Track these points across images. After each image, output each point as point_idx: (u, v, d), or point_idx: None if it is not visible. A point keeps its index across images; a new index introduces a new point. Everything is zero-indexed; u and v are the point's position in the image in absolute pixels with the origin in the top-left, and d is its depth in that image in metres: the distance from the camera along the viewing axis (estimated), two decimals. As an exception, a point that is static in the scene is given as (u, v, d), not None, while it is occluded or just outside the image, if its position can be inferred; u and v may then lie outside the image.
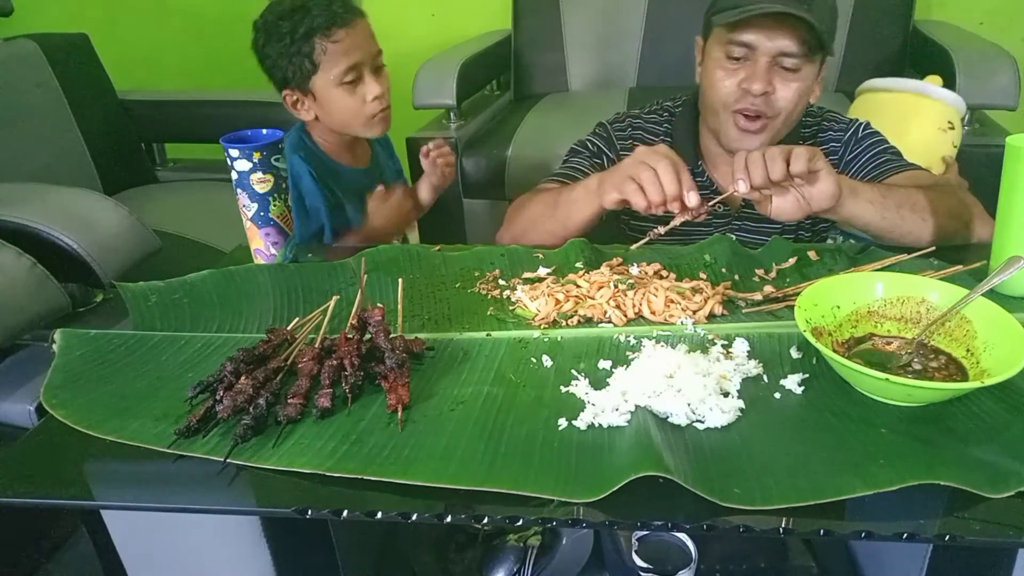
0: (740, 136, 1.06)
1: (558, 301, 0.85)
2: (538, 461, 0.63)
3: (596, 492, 0.58)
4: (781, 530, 0.57)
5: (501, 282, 0.93)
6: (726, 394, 0.70)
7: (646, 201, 0.90)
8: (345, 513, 0.59)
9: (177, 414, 0.70)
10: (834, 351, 0.71)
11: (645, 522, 0.61)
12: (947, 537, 0.56)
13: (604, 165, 1.17)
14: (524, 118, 2.21)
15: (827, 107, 1.21)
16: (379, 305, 0.81)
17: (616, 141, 1.19)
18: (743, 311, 0.85)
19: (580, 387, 0.71)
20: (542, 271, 0.94)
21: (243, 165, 0.93)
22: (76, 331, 0.84)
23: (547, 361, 0.77)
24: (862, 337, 0.78)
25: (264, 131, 0.98)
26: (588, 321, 0.84)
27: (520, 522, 0.58)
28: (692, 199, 0.89)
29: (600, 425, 0.66)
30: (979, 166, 1.68)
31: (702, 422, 0.66)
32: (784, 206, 0.91)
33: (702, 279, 0.89)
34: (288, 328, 0.81)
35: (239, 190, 0.96)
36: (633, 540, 0.94)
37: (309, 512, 0.60)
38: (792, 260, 0.95)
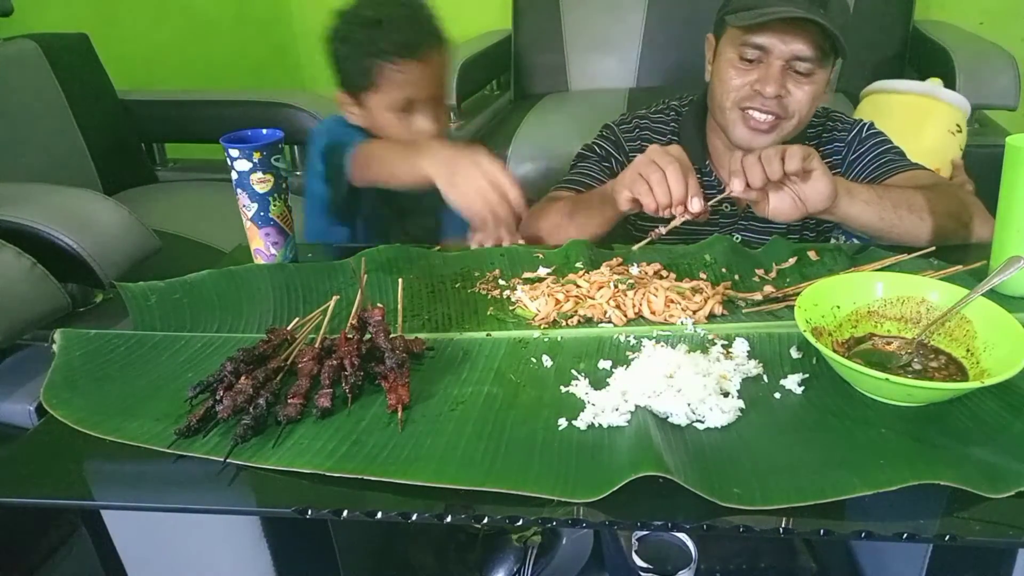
0: (750, 135, 1.06)
1: (558, 301, 0.85)
2: (538, 461, 0.63)
3: (596, 492, 0.58)
4: (781, 530, 0.57)
5: (501, 282, 0.93)
6: (726, 394, 0.70)
7: (655, 202, 0.91)
8: (345, 513, 0.59)
9: (177, 414, 0.70)
10: (834, 351, 0.71)
11: (645, 522, 0.61)
12: (947, 537, 0.56)
13: (613, 168, 1.17)
14: (524, 118, 2.22)
15: (829, 107, 1.21)
16: (379, 305, 0.81)
17: (625, 143, 1.19)
18: (743, 311, 0.85)
19: (580, 387, 0.71)
20: (542, 271, 0.94)
21: (243, 165, 0.93)
22: (76, 331, 0.84)
23: (547, 361, 0.77)
24: (862, 337, 0.78)
25: (264, 131, 0.98)
26: (588, 321, 0.84)
27: (520, 522, 0.58)
28: (695, 205, 0.89)
29: (600, 425, 0.66)
30: (979, 166, 1.68)
31: (702, 422, 0.66)
32: (781, 207, 0.92)
33: (702, 279, 0.90)
34: (288, 328, 0.81)
35: (239, 190, 0.96)
36: (633, 540, 0.94)
37: (309, 512, 0.60)
38: (792, 260, 0.95)
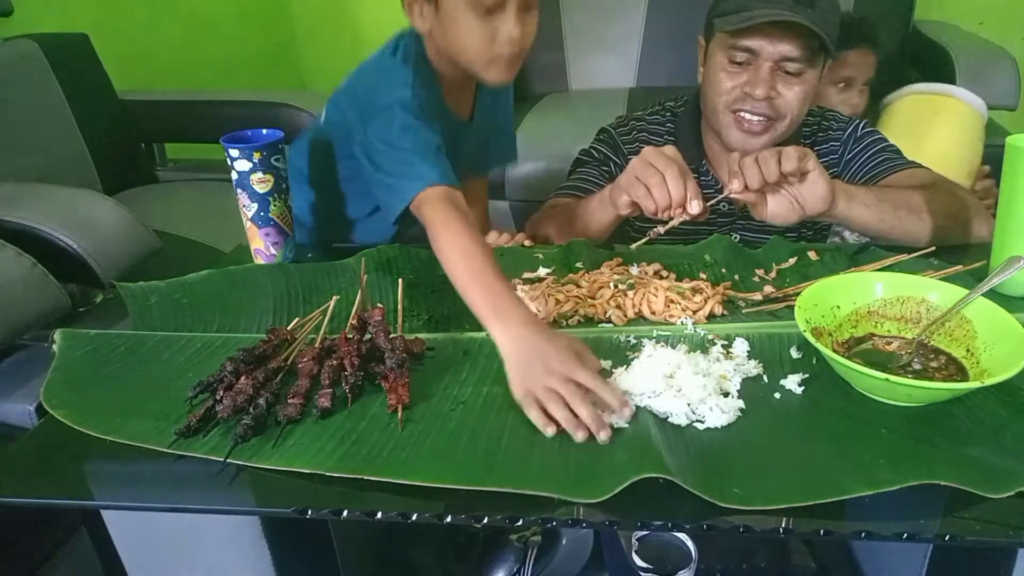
0: (743, 138, 1.06)
1: (558, 301, 0.85)
2: (538, 461, 0.63)
3: (597, 493, 0.58)
4: (781, 530, 0.57)
5: (501, 282, 0.92)
6: (726, 394, 0.70)
7: (654, 205, 0.90)
8: (345, 513, 0.59)
9: (177, 414, 0.70)
10: (834, 351, 0.71)
11: (645, 522, 0.61)
12: (947, 537, 0.56)
13: (612, 171, 1.17)
14: (524, 118, 2.21)
15: (825, 107, 1.21)
16: (379, 305, 0.81)
17: (623, 145, 1.19)
18: (743, 311, 0.85)
19: (580, 387, 0.71)
20: (542, 271, 0.94)
21: (243, 165, 0.93)
22: (76, 331, 0.84)
23: (547, 361, 0.77)
24: (862, 337, 0.78)
25: (264, 131, 0.98)
26: (588, 321, 0.84)
27: (520, 522, 0.58)
28: (695, 207, 0.89)
29: (600, 425, 0.66)
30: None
31: (702, 422, 0.66)
32: (779, 209, 0.92)
33: (702, 279, 0.90)
34: (288, 328, 0.81)
35: (239, 190, 0.96)
36: (633, 540, 0.94)
37: (309, 512, 0.60)
38: (792, 260, 0.95)
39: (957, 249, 0.96)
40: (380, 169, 0.94)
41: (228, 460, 0.64)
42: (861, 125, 1.16)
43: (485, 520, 0.59)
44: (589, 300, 0.86)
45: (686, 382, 0.69)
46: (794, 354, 0.77)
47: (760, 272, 0.93)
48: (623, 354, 0.77)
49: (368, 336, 0.78)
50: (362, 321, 0.80)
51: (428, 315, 0.87)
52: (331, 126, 1.11)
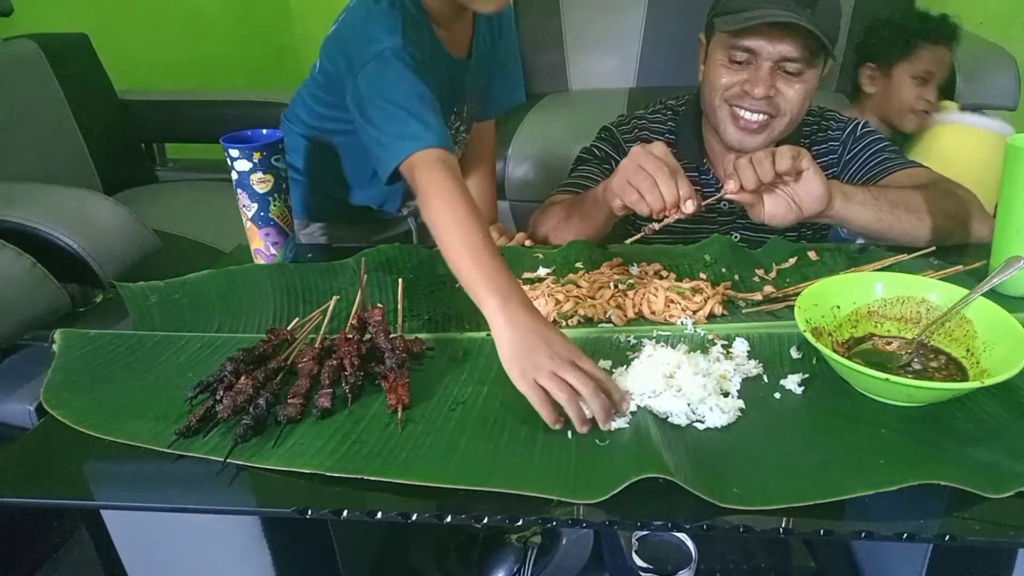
0: (741, 136, 1.06)
1: (558, 301, 0.85)
2: (538, 461, 0.63)
3: (597, 493, 0.58)
4: (781, 530, 0.57)
5: (501, 282, 0.92)
6: (726, 394, 0.70)
7: (648, 209, 0.90)
8: (345, 513, 0.59)
9: (177, 414, 0.70)
10: (834, 351, 0.71)
11: (645, 522, 0.61)
12: (947, 537, 0.56)
13: (613, 169, 1.17)
14: (524, 118, 2.22)
15: (827, 107, 1.21)
16: (379, 305, 0.81)
17: (624, 144, 1.19)
18: (743, 311, 0.85)
19: (580, 387, 0.71)
20: (542, 271, 0.94)
21: (243, 165, 0.93)
22: (76, 331, 0.84)
23: (547, 361, 0.77)
24: (862, 337, 0.78)
25: (264, 131, 0.98)
26: (588, 321, 0.84)
27: (520, 522, 0.58)
28: (689, 207, 0.88)
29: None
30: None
31: (702, 422, 0.66)
32: (776, 210, 0.92)
33: (702, 279, 0.90)
34: (288, 328, 0.81)
35: (239, 190, 0.96)
36: (633, 540, 0.94)
37: (309, 512, 0.60)
38: (792, 260, 0.95)
39: (957, 249, 0.96)
40: (371, 123, 0.90)
41: (228, 460, 0.64)
42: (860, 125, 1.16)
43: (485, 520, 0.59)
44: (589, 300, 0.85)
45: (686, 382, 0.69)
46: (794, 354, 0.77)
47: (760, 272, 0.93)
48: (623, 354, 0.77)
49: (368, 336, 0.78)
50: (362, 321, 0.80)
51: (428, 315, 0.87)
52: (324, 75, 1.07)
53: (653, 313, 0.84)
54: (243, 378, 0.72)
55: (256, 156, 0.93)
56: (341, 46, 0.98)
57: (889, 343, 0.77)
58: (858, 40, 1.91)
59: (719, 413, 0.66)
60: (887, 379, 0.63)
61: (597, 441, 0.65)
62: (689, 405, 0.67)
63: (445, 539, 1.01)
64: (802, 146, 1.02)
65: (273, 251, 0.99)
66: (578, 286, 0.88)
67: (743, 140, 1.06)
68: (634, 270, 0.92)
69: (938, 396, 0.67)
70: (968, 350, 0.73)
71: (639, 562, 0.92)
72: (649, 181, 0.88)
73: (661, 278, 0.90)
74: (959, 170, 1.16)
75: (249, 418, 0.67)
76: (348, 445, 0.65)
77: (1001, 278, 0.77)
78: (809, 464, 0.61)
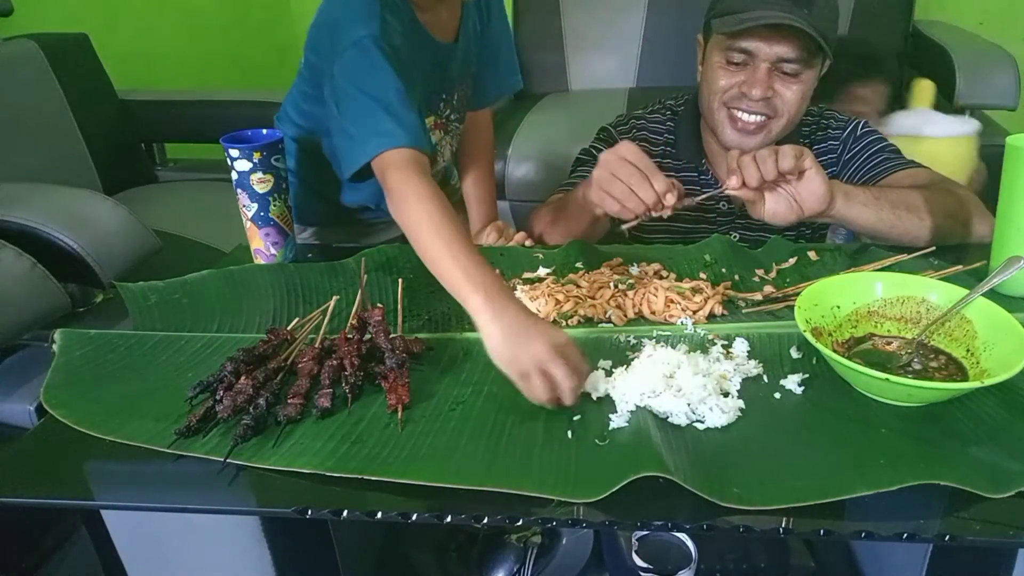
0: (739, 137, 1.06)
1: (558, 301, 0.85)
2: (538, 461, 0.63)
3: (596, 492, 0.58)
4: (781, 530, 0.57)
5: (501, 282, 0.92)
6: (726, 394, 0.70)
7: (632, 214, 0.90)
8: (345, 513, 0.59)
9: (177, 414, 0.70)
10: (834, 351, 0.71)
11: (645, 522, 0.61)
12: (947, 537, 0.56)
13: None
14: (524, 118, 2.22)
15: (823, 106, 1.21)
16: (379, 305, 0.81)
17: None
18: (743, 311, 0.85)
19: (580, 387, 0.71)
20: (542, 271, 0.94)
21: (243, 165, 0.93)
22: (76, 331, 0.84)
23: (547, 361, 0.77)
24: (862, 337, 0.78)
25: (264, 131, 0.98)
26: (588, 321, 0.84)
27: (520, 522, 0.58)
28: (670, 199, 0.88)
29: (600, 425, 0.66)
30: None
31: (702, 422, 0.66)
32: (777, 209, 0.92)
33: (702, 279, 0.89)
34: (288, 328, 0.81)
35: (239, 190, 0.96)
36: (633, 540, 0.94)
37: (309, 512, 0.60)
38: (792, 260, 0.95)
39: (957, 249, 0.96)
40: (344, 115, 0.88)
41: (228, 460, 0.64)
42: (860, 125, 1.16)
43: (485, 520, 0.59)
44: (589, 300, 0.85)
45: (686, 382, 0.69)
46: (794, 354, 0.77)
47: (760, 272, 0.93)
48: (623, 354, 0.77)
49: (368, 336, 0.78)
50: (362, 321, 0.80)
51: (428, 315, 0.87)
52: (308, 68, 1.06)
53: (653, 313, 0.84)
54: (243, 378, 0.72)
55: (256, 156, 0.93)
56: (320, 34, 0.97)
57: (889, 343, 0.77)
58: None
59: (719, 413, 0.66)
60: (887, 379, 0.63)
61: (597, 441, 0.65)
62: (689, 405, 0.67)
63: (445, 539, 1.01)
64: (801, 145, 1.02)
65: (273, 251, 0.99)
66: (578, 286, 0.88)
67: (741, 142, 1.06)
68: (634, 270, 0.92)
69: (938, 396, 0.67)
70: (968, 350, 0.73)
71: (639, 562, 0.92)
72: (623, 188, 0.88)
73: (661, 278, 0.90)
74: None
75: (249, 418, 0.67)
76: (348, 445, 0.65)
77: (1001, 278, 0.77)
78: (809, 464, 0.61)
